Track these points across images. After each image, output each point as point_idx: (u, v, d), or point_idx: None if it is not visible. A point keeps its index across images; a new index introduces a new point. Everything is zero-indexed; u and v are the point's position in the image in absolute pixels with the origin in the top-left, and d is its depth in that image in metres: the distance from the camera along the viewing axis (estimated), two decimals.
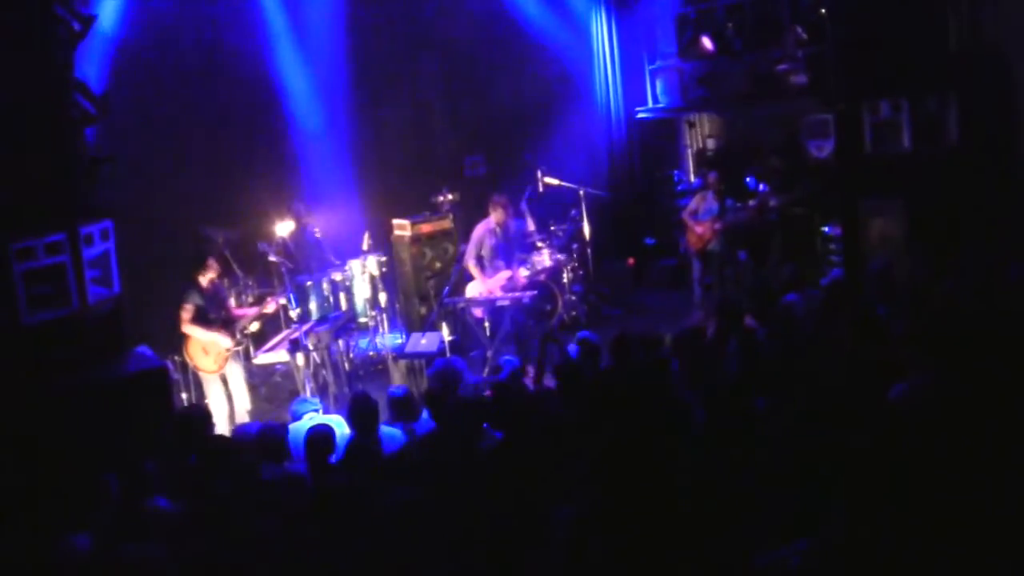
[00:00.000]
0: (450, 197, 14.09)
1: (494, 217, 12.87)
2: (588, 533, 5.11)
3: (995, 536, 3.67)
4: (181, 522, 6.22)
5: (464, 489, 6.30)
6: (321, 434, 7.35)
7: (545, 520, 5.40)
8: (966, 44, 11.75)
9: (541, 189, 15.29)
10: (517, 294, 12.66)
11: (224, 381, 10.83)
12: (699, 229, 13.59)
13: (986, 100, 11.66)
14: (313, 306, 12.84)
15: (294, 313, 12.18)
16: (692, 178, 16.44)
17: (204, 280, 10.66)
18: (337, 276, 13.23)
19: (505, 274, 12.81)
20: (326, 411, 9.68)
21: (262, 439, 7.50)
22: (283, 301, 12.16)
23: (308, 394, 10.42)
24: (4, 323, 8.49)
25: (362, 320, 13.49)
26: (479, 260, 12.86)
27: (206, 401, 10.76)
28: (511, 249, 12.97)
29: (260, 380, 12.76)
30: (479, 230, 12.92)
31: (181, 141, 12.99)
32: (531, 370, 9.89)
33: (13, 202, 8.59)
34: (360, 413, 7.65)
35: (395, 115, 14.97)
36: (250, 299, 12.84)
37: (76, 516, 6.71)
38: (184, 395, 11.20)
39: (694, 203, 13.90)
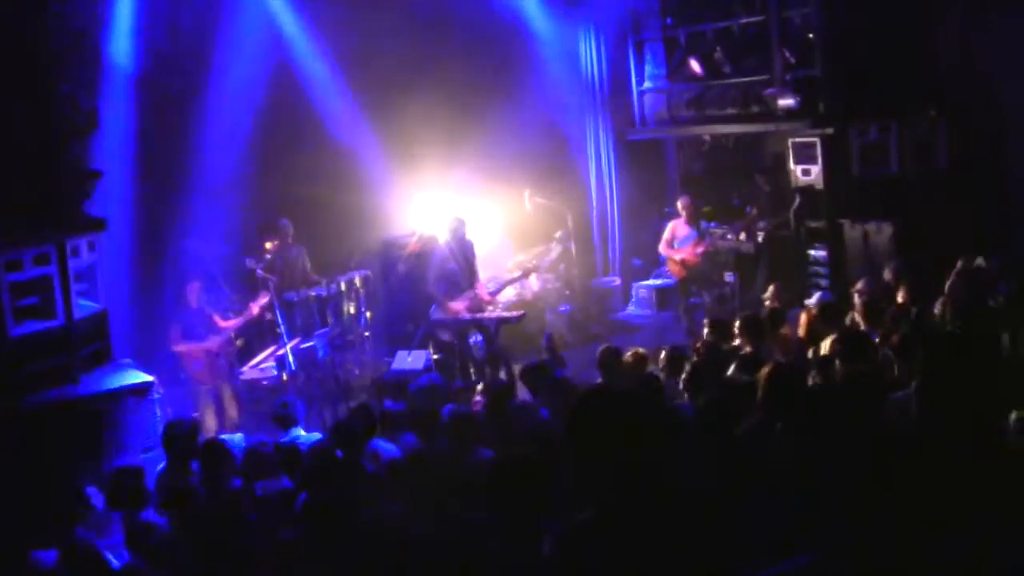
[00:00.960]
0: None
1: (453, 237, 12.61)
2: (580, 548, 5.08)
3: (993, 545, 3.68)
4: (171, 536, 6.17)
5: (452, 505, 6.27)
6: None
7: (536, 535, 5.37)
8: (955, 67, 11.85)
9: (529, 209, 15.33)
10: (505, 314, 12.63)
11: (217, 396, 10.80)
12: (679, 256, 13.40)
13: (975, 122, 11.74)
14: (299, 322, 12.80)
15: (280, 329, 12.11)
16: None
17: (187, 300, 10.64)
18: (324, 293, 13.20)
19: (470, 295, 12.66)
20: (315, 427, 9.66)
21: (251, 456, 7.46)
22: (268, 316, 12.12)
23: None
24: None
25: (348, 337, 13.45)
26: (442, 285, 12.53)
27: (195, 415, 10.73)
28: (469, 269, 12.70)
29: (247, 395, 12.72)
30: (436, 256, 12.60)
31: (170, 156, 12.94)
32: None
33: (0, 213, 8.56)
34: (352, 427, 7.61)
35: (385, 133, 14.96)
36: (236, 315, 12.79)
37: (57, 529, 6.67)
38: (169, 409, 11.13)
39: (668, 232, 13.70)
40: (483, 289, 12.63)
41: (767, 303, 10.52)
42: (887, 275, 10.36)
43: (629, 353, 8.81)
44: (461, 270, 12.38)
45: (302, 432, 8.70)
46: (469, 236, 12.73)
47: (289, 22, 14.36)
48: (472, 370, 12.21)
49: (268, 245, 13.37)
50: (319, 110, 14.32)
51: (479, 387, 10.98)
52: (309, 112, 14.13)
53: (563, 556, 5.15)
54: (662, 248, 13.76)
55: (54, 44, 9.01)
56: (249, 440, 8.25)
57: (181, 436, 7.78)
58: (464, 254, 12.50)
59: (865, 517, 3.84)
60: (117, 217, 11.84)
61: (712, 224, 13.55)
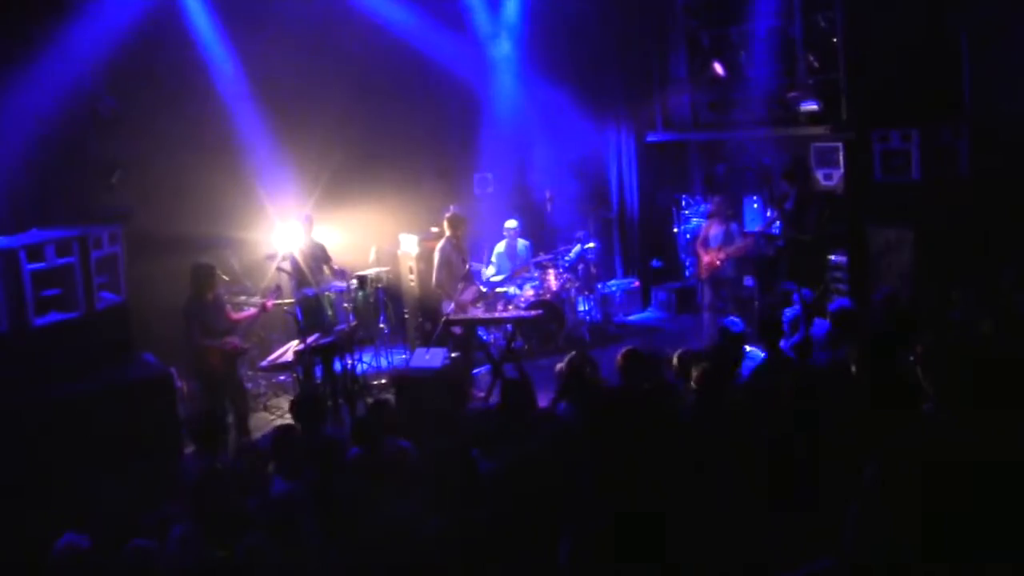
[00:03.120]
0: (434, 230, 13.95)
1: (457, 232, 12.71)
2: (594, 551, 5.09)
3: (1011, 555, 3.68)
4: (192, 528, 6.19)
5: (470, 504, 6.27)
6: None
7: (551, 537, 5.38)
8: (978, 74, 11.79)
9: (549, 209, 15.35)
10: (522, 312, 12.65)
11: (228, 390, 10.81)
12: (706, 257, 13.45)
13: (997, 129, 11.67)
14: (318, 319, 12.81)
15: (299, 325, 12.12)
16: (702, 203, 16.40)
17: (207, 296, 10.64)
18: (343, 288, 13.20)
19: (473, 289, 12.68)
20: (328, 424, 9.66)
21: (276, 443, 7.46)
22: (285, 304, 12.13)
23: None
24: (13, 324, 8.51)
25: (366, 334, 13.45)
26: (449, 278, 12.58)
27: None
28: (466, 265, 12.74)
29: (264, 390, 12.79)
30: (445, 251, 12.64)
31: (191, 148, 12.95)
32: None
33: (25, 203, 8.63)
34: (370, 424, 7.61)
35: (406, 131, 14.96)
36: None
37: (78, 518, 6.70)
38: (187, 403, 11.18)
39: (703, 231, 13.79)
40: (472, 291, 12.69)
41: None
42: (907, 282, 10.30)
43: (648, 356, 8.77)
44: (462, 265, 12.51)
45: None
46: (466, 233, 12.79)
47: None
48: (490, 368, 12.23)
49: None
50: (333, 106, 14.31)
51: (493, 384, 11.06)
52: (325, 108, 14.13)
53: (579, 559, 5.18)
54: (698, 245, 13.79)
55: (82, 39, 9.08)
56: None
57: (208, 428, 7.78)
58: (462, 250, 12.61)
59: (877, 529, 3.85)
60: (137, 208, 11.91)
61: (733, 226, 13.52)
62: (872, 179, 12.61)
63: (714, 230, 13.46)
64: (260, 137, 13.61)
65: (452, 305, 12.35)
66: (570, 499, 5.93)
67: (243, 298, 12.17)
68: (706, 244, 13.47)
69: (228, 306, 11.31)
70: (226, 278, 12.02)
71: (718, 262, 13.28)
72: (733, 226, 13.46)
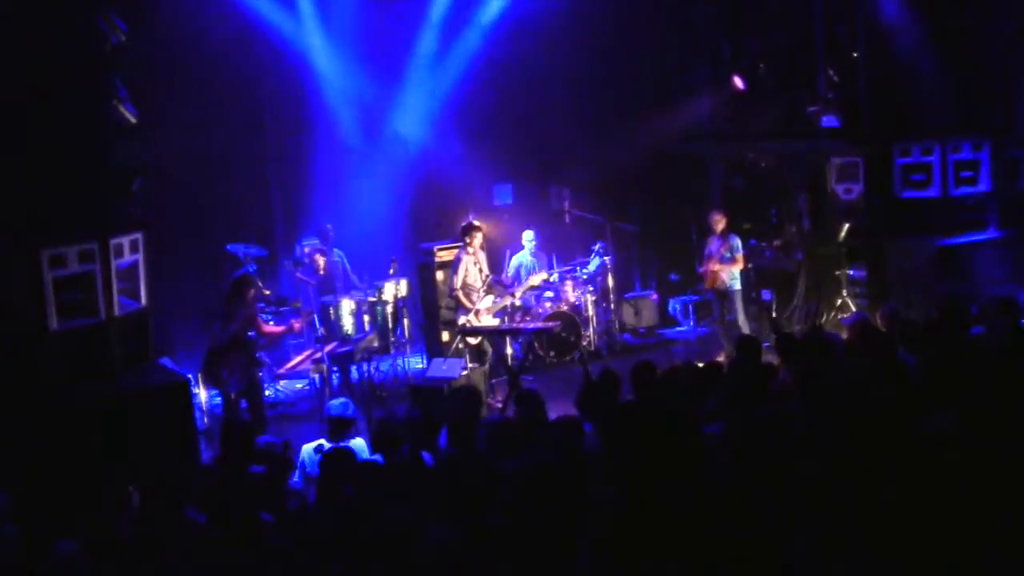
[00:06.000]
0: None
1: (475, 243, 12.77)
2: (611, 560, 5.08)
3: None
4: (207, 533, 6.21)
5: (484, 515, 6.27)
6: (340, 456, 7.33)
7: (567, 548, 5.37)
8: (1000, 90, 11.78)
9: (568, 220, 15.35)
10: (540, 324, 12.66)
11: (242, 397, 10.80)
12: (701, 269, 13.68)
13: (1019, 146, 11.67)
14: (337, 327, 12.85)
15: (318, 333, 12.16)
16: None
17: (245, 299, 10.63)
18: (361, 298, 13.24)
19: (488, 299, 12.72)
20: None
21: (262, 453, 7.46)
22: (307, 318, 12.16)
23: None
24: (32, 329, 8.55)
25: (385, 343, 13.47)
26: (465, 289, 12.62)
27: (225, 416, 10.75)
28: (484, 276, 12.79)
29: (281, 397, 12.81)
30: (461, 260, 12.72)
31: (212, 156, 13.02)
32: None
33: (46, 209, 8.66)
34: (385, 434, 7.61)
35: (425, 141, 15.01)
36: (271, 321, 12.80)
37: (94, 524, 6.72)
38: (202, 411, 11.21)
39: (707, 247, 13.89)
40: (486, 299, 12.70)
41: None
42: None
43: (667, 368, 8.75)
44: (480, 275, 12.54)
45: (360, 440, 8.58)
46: (483, 243, 12.83)
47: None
48: (507, 379, 12.25)
49: (308, 248, 13.43)
50: (355, 115, 14.38)
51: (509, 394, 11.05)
52: (346, 117, 14.20)
53: (597, 568, 5.16)
54: (705, 259, 13.95)
55: (105, 45, 9.11)
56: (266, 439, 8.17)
57: (238, 436, 7.76)
58: (480, 261, 12.64)
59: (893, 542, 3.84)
60: (157, 215, 11.94)
61: (751, 241, 13.57)
62: (892, 194, 12.61)
63: (713, 245, 13.49)
64: (281, 148, 13.69)
65: (470, 315, 12.38)
66: (587, 507, 5.92)
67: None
68: (709, 257, 13.54)
69: (258, 318, 11.25)
70: (266, 292, 12.02)
71: (710, 274, 13.38)
72: (732, 239, 13.42)
